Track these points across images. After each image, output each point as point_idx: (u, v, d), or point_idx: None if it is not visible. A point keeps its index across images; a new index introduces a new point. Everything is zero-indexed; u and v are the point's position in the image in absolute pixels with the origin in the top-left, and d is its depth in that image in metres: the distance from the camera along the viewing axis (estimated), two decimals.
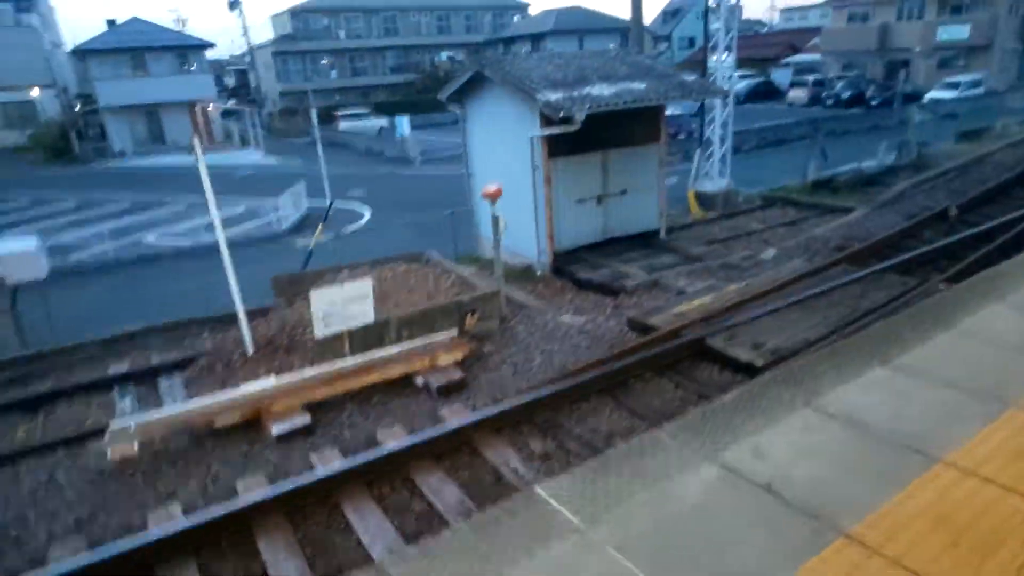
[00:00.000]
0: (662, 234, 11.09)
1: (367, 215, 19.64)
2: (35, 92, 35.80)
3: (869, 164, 15.62)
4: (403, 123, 29.76)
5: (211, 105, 36.64)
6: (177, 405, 6.11)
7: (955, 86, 31.94)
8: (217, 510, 4.60)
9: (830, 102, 35.93)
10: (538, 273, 10.32)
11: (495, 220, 8.29)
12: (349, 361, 6.58)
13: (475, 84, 10.61)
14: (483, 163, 11.35)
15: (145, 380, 7.46)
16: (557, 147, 9.63)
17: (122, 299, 12.20)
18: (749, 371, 6.22)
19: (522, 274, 10.46)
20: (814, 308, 7.34)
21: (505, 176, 10.22)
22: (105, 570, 4.13)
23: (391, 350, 6.82)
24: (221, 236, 7.51)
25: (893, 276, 8.13)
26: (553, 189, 9.86)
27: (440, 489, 4.93)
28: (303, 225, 18.23)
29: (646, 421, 5.72)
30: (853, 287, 7.81)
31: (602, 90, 9.30)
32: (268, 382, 6.37)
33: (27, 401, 6.98)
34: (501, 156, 10.47)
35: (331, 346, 6.91)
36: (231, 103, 52.59)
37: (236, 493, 5.01)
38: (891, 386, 3.27)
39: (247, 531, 4.57)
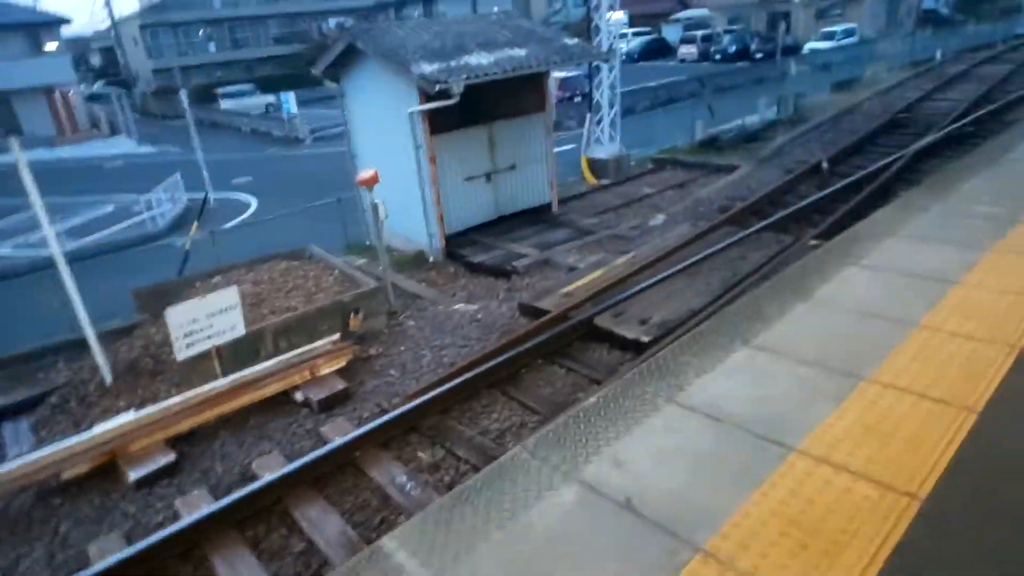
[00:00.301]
0: (554, 207, 10.93)
1: (254, 205, 18.44)
2: None
3: (751, 120, 16.07)
4: (289, 99, 28.02)
5: (71, 90, 33.14)
6: (13, 460, 5.39)
7: (831, 36, 33.44)
8: None
9: (718, 57, 36.85)
10: (430, 259, 9.95)
11: (374, 208, 7.83)
12: (218, 383, 6.04)
13: (349, 56, 9.90)
14: (365, 142, 10.74)
15: None
16: (440, 123, 9.18)
17: None
18: (637, 348, 6.20)
19: (414, 261, 10.06)
20: (698, 275, 7.41)
21: (388, 156, 9.72)
22: None
23: (266, 364, 6.31)
24: (56, 249, 6.67)
25: (770, 235, 8.34)
26: (439, 168, 9.44)
27: (321, 522, 4.59)
28: (182, 222, 16.89)
29: (538, 415, 5.57)
30: (735, 249, 7.95)
31: (481, 59, 8.88)
32: (125, 417, 5.74)
33: None
34: (383, 134, 9.91)
35: (199, 367, 6.32)
36: (97, 85, 47.95)
37: (87, 559, 4.48)
38: (752, 368, 3.20)
39: None
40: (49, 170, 25.43)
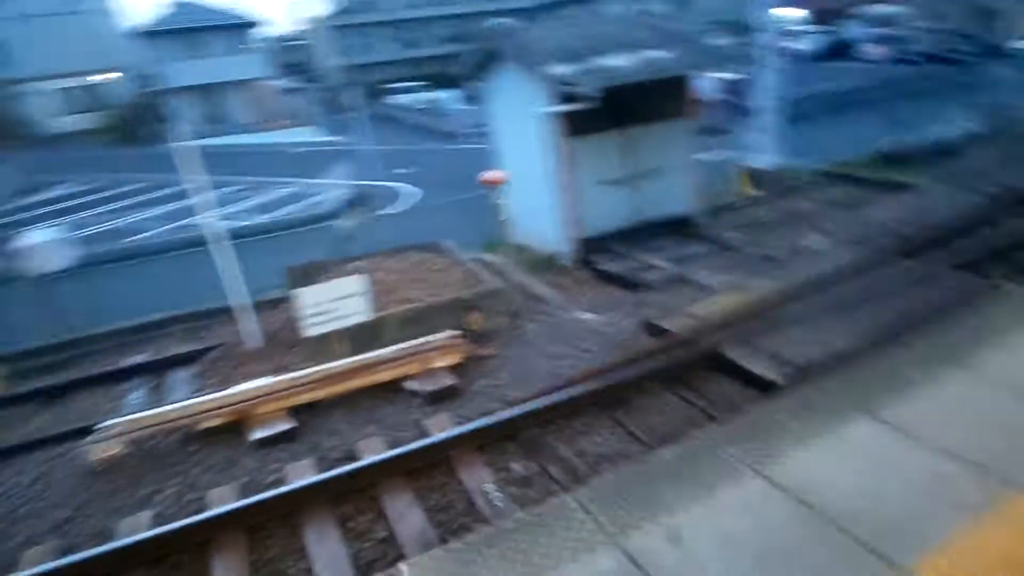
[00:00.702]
0: (697, 219, 10.30)
1: (411, 195, 19.52)
2: (106, 76, 37.47)
3: (946, 132, 14.06)
4: (451, 97, 29.32)
5: (270, 83, 37.34)
6: (166, 406, 6.08)
7: None
8: (172, 526, 4.51)
9: (908, 58, 32.67)
10: (562, 263, 9.82)
11: (500, 209, 7.86)
12: (338, 364, 6.38)
13: (490, 59, 10.05)
14: (505, 142, 10.85)
15: (157, 372, 7.56)
16: (577, 125, 8.98)
17: (164, 284, 12.54)
18: (766, 388, 5.62)
19: (545, 263, 9.99)
20: (852, 312, 6.57)
21: (525, 156, 9.73)
22: None
23: (384, 351, 6.57)
24: (214, 226, 7.42)
25: (952, 275, 7.19)
26: (574, 171, 9.27)
27: (405, 514, 4.67)
28: (350, 205, 18.23)
29: (642, 445, 5.25)
30: (903, 287, 6.95)
31: (619, 61, 8.56)
32: (259, 382, 6.26)
33: (45, 391, 7.20)
34: (520, 135, 9.93)
35: (325, 346, 6.74)
36: (291, 80, 53.64)
37: (206, 504, 4.92)
38: (872, 449, 2.69)
39: (206, 546, 4.47)
40: (246, 154, 28.82)
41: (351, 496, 4.89)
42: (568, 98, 8.34)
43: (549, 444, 5.36)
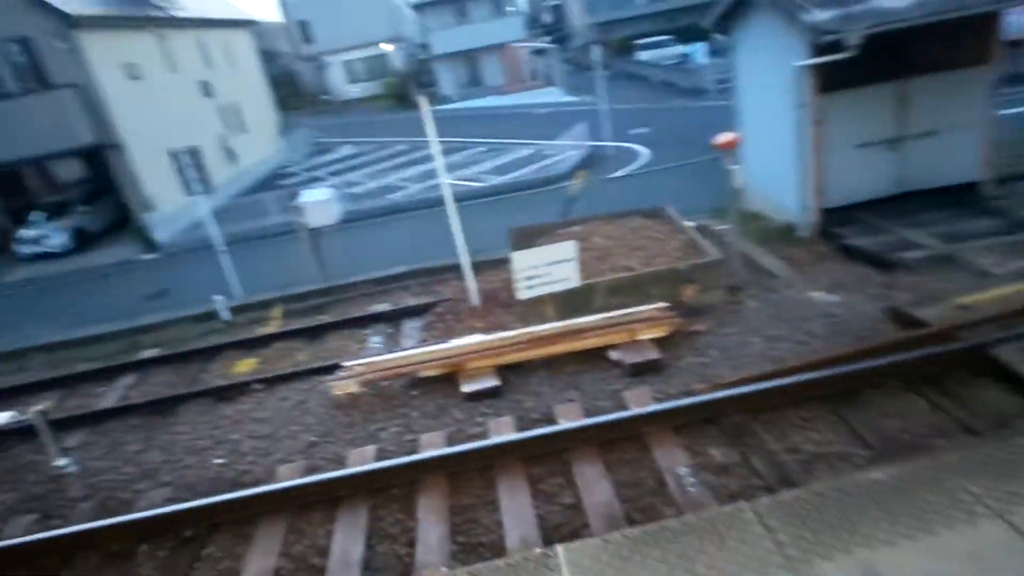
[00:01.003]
0: (986, 189, 8.40)
1: (644, 156, 19.02)
2: (387, 47, 42.30)
3: None
4: (699, 50, 27.56)
5: (519, 46, 38.80)
6: (396, 353, 6.84)
7: None
8: (390, 463, 5.09)
9: None
10: (799, 234, 8.80)
11: (732, 175, 7.23)
12: (545, 327, 6.54)
13: (740, 7, 9.14)
14: (747, 99, 9.92)
15: (394, 321, 8.53)
16: (833, 79, 7.83)
17: (411, 240, 14.02)
18: None
19: (780, 233, 9.05)
20: None
21: (768, 115, 8.87)
22: None
23: (591, 318, 6.56)
24: (449, 187, 7.95)
25: None
26: (825, 131, 8.13)
27: (593, 485, 4.66)
28: (583, 167, 18.42)
29: (870, 450, 4.54)
30: None
31: (895, 1, 7.16)
32: (474, 338, 6.71)
33: (308, 330, 8.58)
34: (764, 91, 9.01)
35: (536, 308, 6.95)
36: (543, 41, 55.04)
37: (418, 446, 5.47)
38: None
39: (415, 484, 4.97)
40: (492, 115, 30.57)
41: (544, 458, 5.02)
42: (826, 48, 7.27)
43: (756, 434, 4.91)
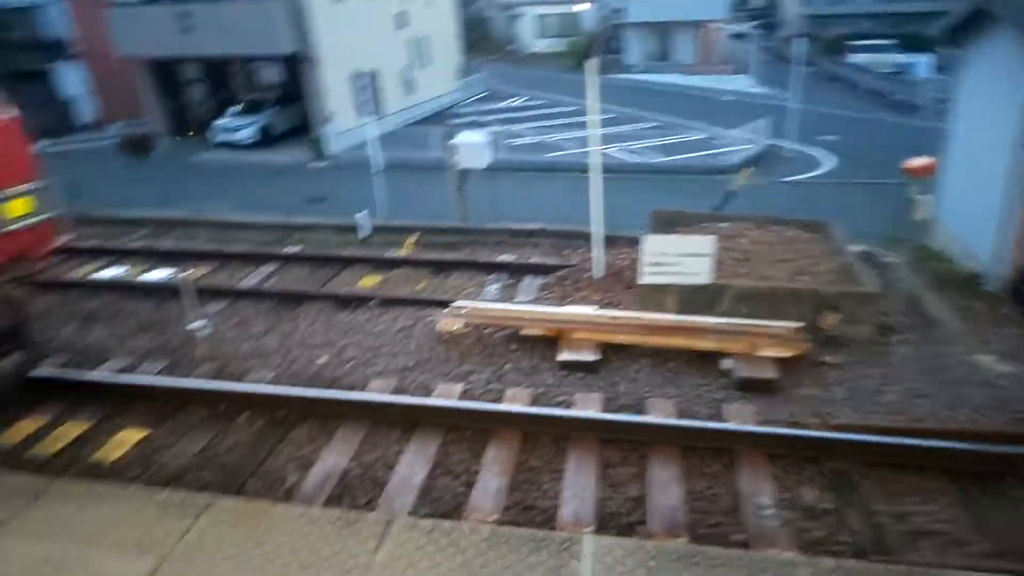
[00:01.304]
0: None
1: (826, 165, 17.41)
2: (580, 6, 41.76)
3: None
4: (924, 62, 24.44)
5: (719, 25, 36.60)
6: (508, 304, 6.86)
7: None
8: (473, 405, 5.15)
9: None
10: (984, 286, 7.63)
11: (918, 204, 6.36)
12: (662, 317, 6.23)
13: (978, 20, 7.88)
14: (962, 125, 8.63)
15: (516, 273, 8.54)
16: None
17: (557, 200, 13.92)
18: None
19: (962, 281, 7.90)
20: None
21: (985, 146, 7.67)
22: None
23: (712, 320, 6.14)
24: (596, 154, 7.73)
25: None
26: None
27: (664, 488, 4.42)
28: (754, 163, 17.24)
29: (991, 546, 3.90)
30: None
31: None
32: (582, 310, 6.57)
33: (436, 263, 8.84)
34: (984, 119, 7.77)
35: (656, 295, 6.63)
36: (747, 25, 51.51)
37: (502, 398, 5.48)
38: None
39: (490, 433, 5.00)
40: (673, 93, 29.37)
41: (623, 446, 4.84)
42: None
43: (862, 488, 4.39)
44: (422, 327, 6.85)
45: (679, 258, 6.32)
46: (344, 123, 18.66)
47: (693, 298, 6.50)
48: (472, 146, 10.14)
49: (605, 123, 16.68)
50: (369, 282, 8.36)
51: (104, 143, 21.79)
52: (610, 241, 8.31)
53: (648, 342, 6.15)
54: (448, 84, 28.51)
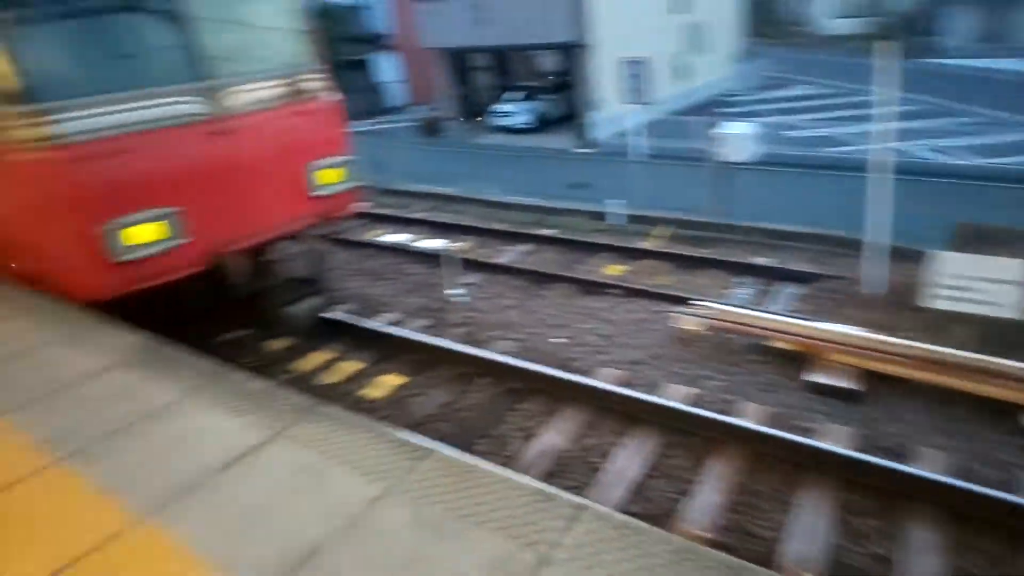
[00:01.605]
0: None
1: None
2: None
3: None
4: None
5: None
6: (757, 311, 6.36)
7: None
8: (702, 412, 4.91)
9: None
10: None
11: None
12: (949, 352, 5.21)
13: None
14: None
15: (770, 278, 7.88)
16: None
17: (830, 201, 12.43)
18: None
19: None
20: None
21: None
22: None
23: (1017, 364, 4.97)
24: (882, 157, 6.70)
25: None
26: None
27: (922, 554, 3.75)
28: None
29: None
30: None
31: None
32: (845, 328, 5.80)
33: (686, 258, 8.53)
34: None
35: (946, 324, 5.58)
36: None
37: (735, 409, 5.12)
38: None
39: (710, 445, 4.73)
40: (1006, 83, 24.08)
41: (870, 493, 4.21)
42: None
43: None
44: (660, 322, 6.70)
45: (982, 283, 5.24)
46: (612, 110, 18.88)
47: (997, 334, 5.34)
48: (736, 137, 9.53)
49: (907, 116, 14.34)
50: (613, 270, 8.43)
51: (407, 125, 25.10)
52: (894, 253, 7.20)
53: (927, 379, 5.21)
54: (723, 71, 27.07)
